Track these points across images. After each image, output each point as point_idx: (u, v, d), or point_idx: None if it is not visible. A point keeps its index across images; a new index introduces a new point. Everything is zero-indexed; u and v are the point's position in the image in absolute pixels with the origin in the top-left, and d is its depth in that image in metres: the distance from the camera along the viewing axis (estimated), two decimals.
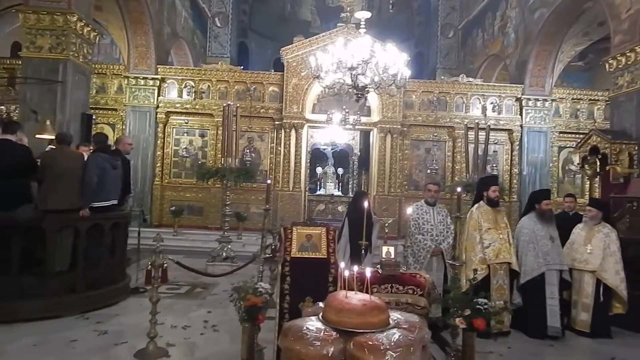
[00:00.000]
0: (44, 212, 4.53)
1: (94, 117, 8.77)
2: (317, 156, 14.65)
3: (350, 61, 6.21)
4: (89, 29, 7.60)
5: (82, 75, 7.62)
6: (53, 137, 6.05)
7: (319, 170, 14.72)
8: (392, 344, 1.84)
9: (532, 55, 10.75)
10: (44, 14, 7.02)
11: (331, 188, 14.17)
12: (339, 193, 14.01)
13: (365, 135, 12.63)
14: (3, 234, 4.38)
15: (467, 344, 3.28)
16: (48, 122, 6.38)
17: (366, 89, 6.70)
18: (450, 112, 11.19)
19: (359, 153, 13.71)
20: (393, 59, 6.26)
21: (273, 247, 5.34)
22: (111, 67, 11.11)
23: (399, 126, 10.93)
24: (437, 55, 16.26)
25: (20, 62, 8.00)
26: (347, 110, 10.23)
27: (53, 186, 4.71)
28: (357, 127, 10.87)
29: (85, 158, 5.16)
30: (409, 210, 4.72)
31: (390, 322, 2.04)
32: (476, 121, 9.87)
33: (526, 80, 10.99)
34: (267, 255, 4.24)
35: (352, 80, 6.46)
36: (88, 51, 7.75)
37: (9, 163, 4.51)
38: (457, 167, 11.04)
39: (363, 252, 3.76)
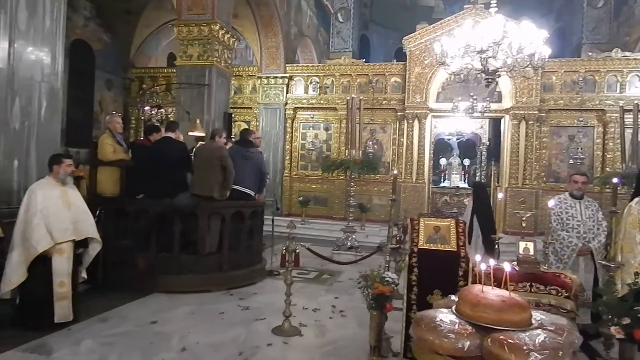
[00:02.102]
0: (197, 198, 5.20)
1: (233, 115, 9.74)
2: (441, 147, 14.09)
3: (480, 44, 5.83)
4: (229, 35, 8.45)
5: (224, 78, 8.52)
6: (202, 134, 6.91)
7: (443, 161, 14.16)
8: (537, 345, 1.71)
9: None
10: (193, 25, 8.02)
11: (456, 180, 13.53)
12: (465, 185, 13.30)
13: (496, 123, 11.74)
14: (167, 218, 5.17)
15: (625, 357, 2.87)
16: (198, 121, 7.30)
17: (497, 73, 6.24)
18: (600, 92, 9.76)
19: (487, 142, 12.81)
20: (529, 38, 5.70)
21: (398, 238, 5.35)
22: (246, 69, 12.20)
23: (536, 112, 9.93)
24: (583, 29, 14.24)
25: (175, 71, 9.27)
26: (474, 97, 9.60)
27: (196, 175, 5.38)
28: (486, 114, 10.14)
29: None
30: (550, 203, 4.27)
31: (533, 322, 1.90)
32: (635, 102, 8.46)
33: None
34: (393, 246, 4.25)
35: (481, 65, 6.07)
36: (228, 56, 8.62)
37: (171, 157, 5.29)
38: (608, 156, 9.63)
39: (497, 246, 3.55)
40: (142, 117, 10.66)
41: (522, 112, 9.99)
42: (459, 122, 11.46)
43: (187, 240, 5.36)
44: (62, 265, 3.87)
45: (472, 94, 9.59)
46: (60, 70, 4.63)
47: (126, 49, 12.25)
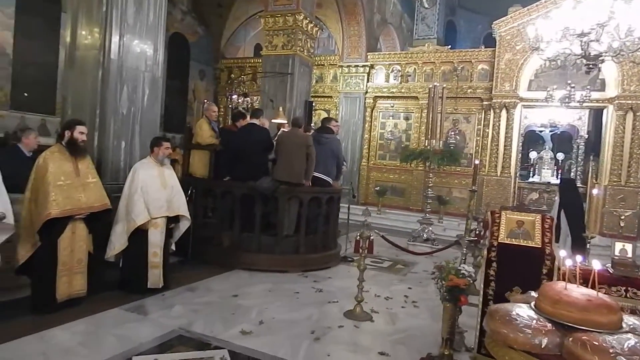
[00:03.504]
0: (278, 182, 5.44)
1: (314, 104, 9.95)
2: (531, 139, 13.12)
3: (581, 26, 5.34)
4: (312, 25, 8.62)
5: (306, 67, 8.74)
6: (285, 122, 7.17)
7: (533, 154, 13.18)
8: (626, 349, 1.59)
9: None
10: (279, 16, 8.30)
11: (547, 175, 12.51)
12: (558, 181, 12.28)
13: (596, 114, 10.66)
14: (250, 200, 5.48)
15: None
16: (281, 109, 7.59)
17: (600, 58, 5.65)
18: None
19: (586, 135, 11.68)
20: None
21: (477, 232, 5.15)
22: (328, 58, 12.33)
23: None
24: None
25: (260, 61, 9.67)
26: (572, 86, 8.80)
27: (282, 162, 5.59)
28: (585, 104, 9.23)
29: None
30: None
31: (624, 325, 1.76)
32: None
33: None
34: (471, 239, 4.11)
35: (581, 49, 5.55)
36: (311, 45, 8.80)
37: (254, 142, 5.58)
38: None
39: (588, 247, 3.28)
40: (230, 105, 11.31)
41: (630, 101, 8.95)
42: (553, 112, 10.58)
43: (268, 222, 5.64)
44: (155, 238, 4.30)
45: (569, 81, 8.81)
46: (160, 61, 5.09)
47: (217, 41, 13.01)
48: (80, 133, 3.79)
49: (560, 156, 12.92)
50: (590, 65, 5.71)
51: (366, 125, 11.65)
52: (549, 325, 1.79)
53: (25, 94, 8.29)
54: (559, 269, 2.97)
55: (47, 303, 3.58)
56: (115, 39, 4.52)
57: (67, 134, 3.77)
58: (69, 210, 3.61)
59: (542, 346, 1.73)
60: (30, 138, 4.71)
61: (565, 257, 1.98)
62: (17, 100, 8.16)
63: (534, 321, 1.82)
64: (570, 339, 1.70)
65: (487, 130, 10.27)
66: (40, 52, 8.46)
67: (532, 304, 1.97)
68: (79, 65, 4.57)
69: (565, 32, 5.43)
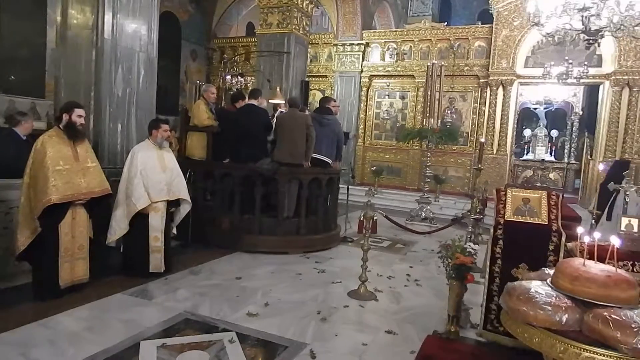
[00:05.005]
0: (278, 164, 5.38)
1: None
2: (525, 116, 13.17)
3: (582, 1, 5.27)
4: (308, 2, 8.42)
5: (302, 45, 8.58)
6: (282, 102, 7.05)
7: (527, 132, 13.24)
8: None
9: None
10: None
11: (542, 152, 12.62)
12: (552, 158, 12.38)
13: (591, 91, 10.69)
14: (250, 182, 5.42)
15: None
16: (278, 89, 7.46)
17: (600, 33, 5.59)
18: None
19: (580, 112, 11.73)
20: None
21: (477, 210, 5.17)
22: (323, 36, 12.08)
23: None
24: None
25: (253, 40, 9.47)
26: (570, 62, 8.77)
27: (284, 143, 5.52)
28: (582, 80, 9.23)
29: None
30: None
31: None
32: None
33: None
34: (476, 217, 4.12)
35: (582, 24, 5.48)
36: (307, 23, 8.62)
37: (255, 123, 5.48)
38: None
39: (593, 222, 3.29)
40: (224, 86, 11.09)
41: (627, 77, 8.95)
42: (548, 89, 10.60)
43: (268, 203, 5.60)
44: (156, 222, 4.24)
45: (567, 58, 8.76)
46: (155, 40, 4.94)
47: (209, 20, 12.69)
48: (78, 116, 3.67)
49: (554, 133, 13.00)
50: (591, 41, 5.65)
51: (362, 105, 11.53)
52: (568, 301, 1.79)
53: (12, 77, 8.06)
54: (565, 245, 2.99)
55: (50, 289, 3.53)
56: (108, 17, 4.37)
57: (65, 117, 3.65)
58: (70, 195, 3.53)
59: (563, 323, 1.73)
60: (29, 122, 4.69)
61: (582, 234, 1.97)
62: (5, 82, 7.94)
63: (553, 298, 1.82)
64: (591, 315, 1.71)
65: (483, 109, 10.24)
66: (28, 33, 8.20)
67: (549, 280, 1.97)
68: (71, 46, 4.42)
69: (566, 6, 5.36)
